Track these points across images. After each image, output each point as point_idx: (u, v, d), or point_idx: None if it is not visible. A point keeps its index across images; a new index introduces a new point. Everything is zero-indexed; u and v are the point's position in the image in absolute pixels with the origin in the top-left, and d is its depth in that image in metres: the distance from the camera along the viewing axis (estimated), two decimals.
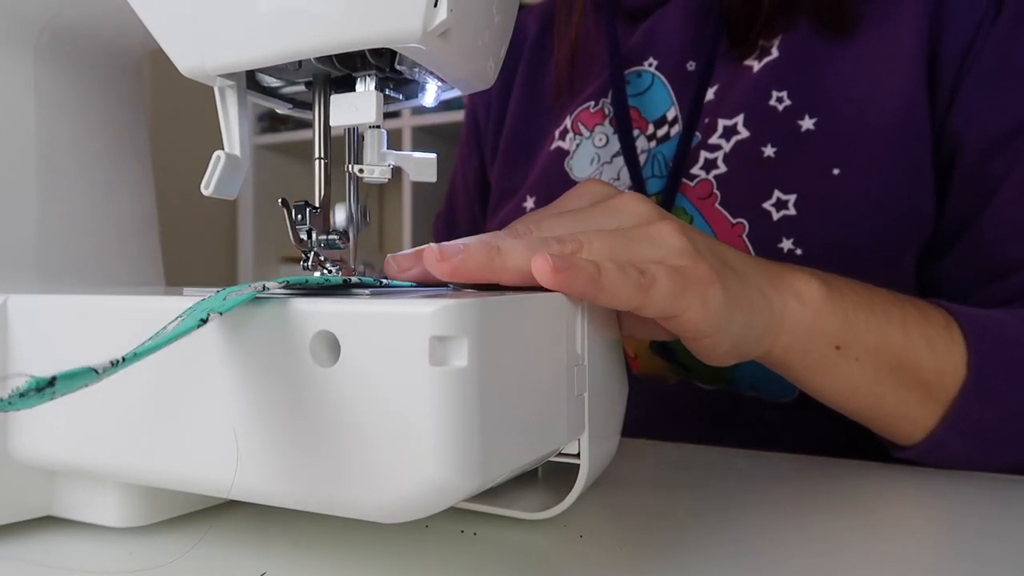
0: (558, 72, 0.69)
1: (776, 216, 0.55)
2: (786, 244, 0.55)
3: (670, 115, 0.62)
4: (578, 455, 0.34)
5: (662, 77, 0.63)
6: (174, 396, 0.29)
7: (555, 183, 0.65)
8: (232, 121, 0.36)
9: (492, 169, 0.75)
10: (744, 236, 0.56)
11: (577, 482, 0.34)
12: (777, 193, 0.56)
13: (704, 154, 0.59)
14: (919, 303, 0.46)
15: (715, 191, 0.58)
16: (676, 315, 0.34)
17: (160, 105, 2.09)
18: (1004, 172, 0.52)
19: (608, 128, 0.65)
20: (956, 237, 0.54)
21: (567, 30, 0.70)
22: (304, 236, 0.36)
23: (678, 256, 0.35)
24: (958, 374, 0.44)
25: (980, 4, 0.54)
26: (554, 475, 0.38)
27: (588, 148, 0.65)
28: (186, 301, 0.29)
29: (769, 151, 0.56)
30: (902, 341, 0.43)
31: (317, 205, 0.37)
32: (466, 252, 0.32)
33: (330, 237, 0.37)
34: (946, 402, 0.44)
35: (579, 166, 0.65)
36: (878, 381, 0.43)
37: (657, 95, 0.63)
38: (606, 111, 0.65)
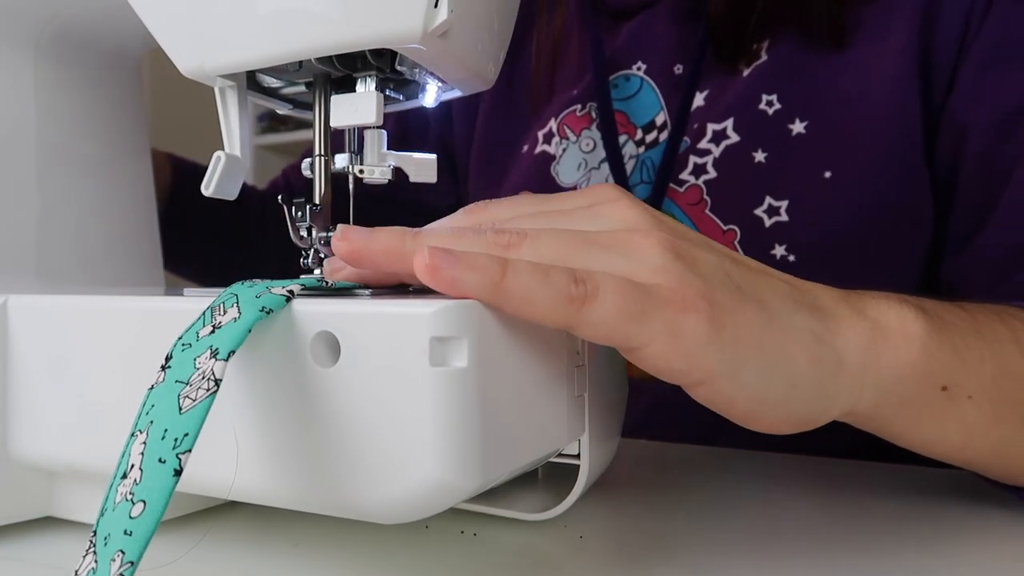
0: (537, 76, 0.68)
1: (768, 222, 0.55)
2: (779, 251, 0.55)
3: (659, 120, 0.62)
4: (578, 456, 0.34)
5: (651, 81, 0.63)
6: None
7: (541, 190, 0.65)
8: (232, 122, 0.36)
9: (463, 155, 0.74)
10: (736, 243, 0.56)
11: (577, 482, 0.34)
12: (768, 199, 0.55)
13: (693, 159, 0.59)
14: (1011, 310, 0.39)
15: (705, 197, 0.58)
16: (634, 347, 0.27)
17: (160, 105, 2.09)
18: (1021, 150, 0.50)
19: (595, 133, 0.64)
20: (977, 227, 0.51)
21: (548, 32, 0.68)
22: (304, 234, 0.36)
23: (653, 273, 0.27)
24: None
25: None
26: (554, 475, 0.38)
27: (575, 153, 0.65)
28: (186, 302, 0.29)
29: (760, 156, 0.56)
30: (1020, 362, 0.35)
31: (317, 203, 0.37)
32: (373, 234, 0.28)
33: (330, 235, 0.37)
34: None
35: (565, 171, 0.65)
36: (999, 419, 0.35)
37: (646, 100, 0.63)
38: (593, 115, 0.64)
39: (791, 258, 0.54)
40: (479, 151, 0.73)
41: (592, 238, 0.29)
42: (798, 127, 0.56)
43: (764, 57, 0.58)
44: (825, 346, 0.30)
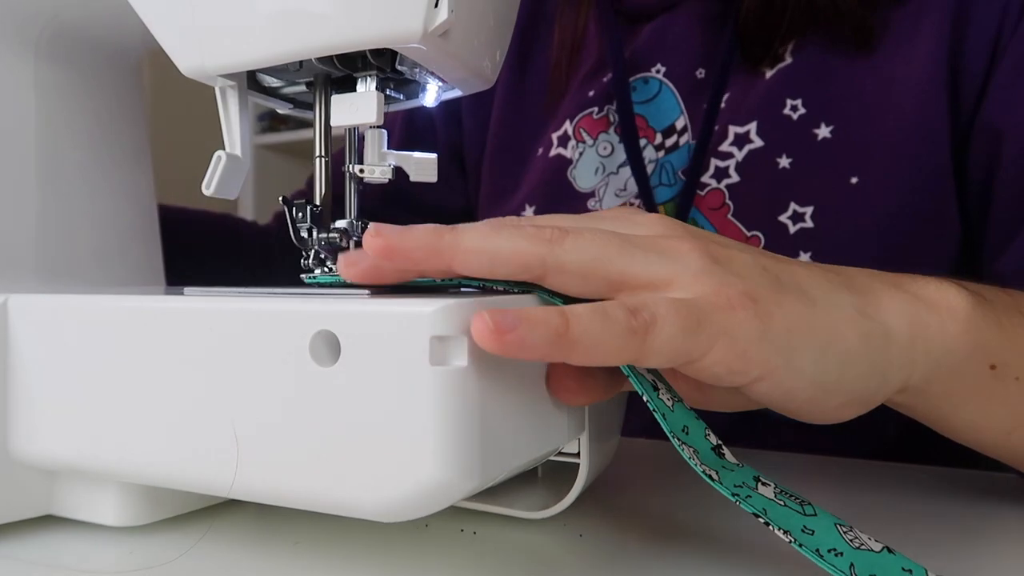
0: (555, 78, 0.67)
1: (793, 229, 0.54)
2: (803, 258, 0.53)
3: (679, 124, 0.60)
4: (578, 455, 0.34)
5: (670, 84, 0.61)
6: (174, 396, 0.29)
7: (557, 193, 0.64)
8: (233, 121, 0.37)
9: (471, 154, 0.73)
10: None
11: (577, 482, 0.34)
12: (793, 205, 0.55)
13: (715, 162, 0.58)
14: None
15: (727, 201, 0.57)
16: (696, 358, 0.27)
17: (160, 105, 2.09)
18: None
19: (613, 136, 0.63)
20: (1016, 229, 0.51)
21: (568, 32, 0.67)
22: (305, 234, 0.37)
23: (694, 277, 0.28)
24: None
25: None
26: (554, 475, 0.38)
27: (592, 157, 0.63)
28: (186, 301, 0.30)
29: (784, 162, 0.55)
30: None
31: (318, 203, 0.37)
32: (408, 230, 0.27)
33: (331, 235, 0.37)
34: None
35: (582, 175, 0.63)
36: None
37: (665, 103, 0.61)
38: (611, 118, 0.63)
39: None
40: (492, 152, 0.71)
41: (632, 240, 0.29)
42: (823, 132, 0.55)
43: (788, 60, 0.57)
44: (871, 320, 0.30)
